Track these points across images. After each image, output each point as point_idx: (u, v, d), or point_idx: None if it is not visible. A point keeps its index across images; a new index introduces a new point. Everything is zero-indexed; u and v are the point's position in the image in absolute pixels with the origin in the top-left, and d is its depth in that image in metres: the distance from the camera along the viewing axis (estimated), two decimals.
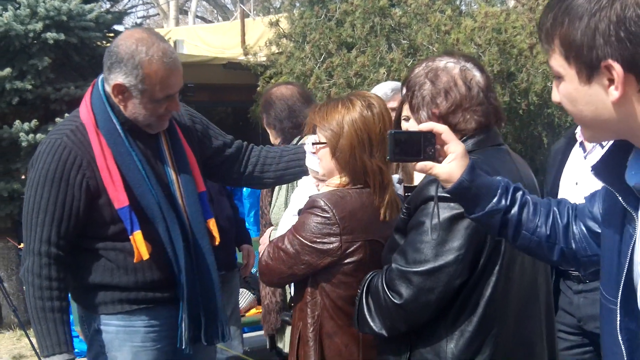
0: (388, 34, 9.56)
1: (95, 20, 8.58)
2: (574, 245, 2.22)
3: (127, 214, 3.09)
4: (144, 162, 3.19)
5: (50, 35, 8.16)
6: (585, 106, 1.73)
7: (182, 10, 25.02)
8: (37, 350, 7.36)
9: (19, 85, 8.30)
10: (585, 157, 4.15)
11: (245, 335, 6.49)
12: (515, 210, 2.23)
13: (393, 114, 3.97)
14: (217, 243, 3.45)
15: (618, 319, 1.81)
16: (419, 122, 2.72)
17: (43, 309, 3.06)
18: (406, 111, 3.83)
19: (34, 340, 7.32)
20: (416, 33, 9.25)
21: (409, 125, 4.07)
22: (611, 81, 1.64)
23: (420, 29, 9.19)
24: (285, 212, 3.87)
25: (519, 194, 2.25)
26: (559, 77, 1.77)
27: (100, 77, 3.25)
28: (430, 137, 2.22)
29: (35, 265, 3.07)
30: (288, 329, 4.30)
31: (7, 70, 8.23)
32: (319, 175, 3.29)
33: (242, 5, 13.36)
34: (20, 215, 9.59)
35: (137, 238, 3.10)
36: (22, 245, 9.95)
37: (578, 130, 4.29)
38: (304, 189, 3.83)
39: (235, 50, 11.96)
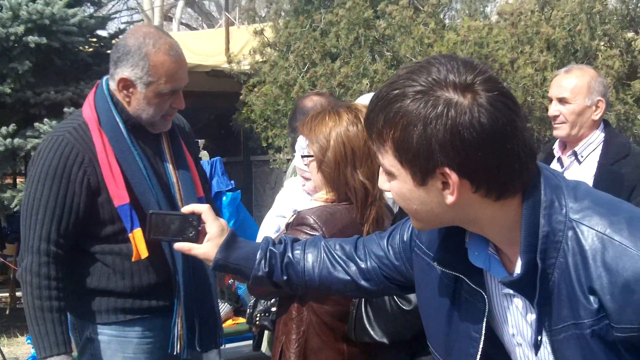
0: (372, 45, 9.59)
1: (78, 24, 8.52)
2: (366, 284, 2.27)
3: (128, 211, 3.05)
4: (146, 161, 3.16)
5: (32, 39, 8.10)
6: (420, 206, 1.74)
7: (167, 17, 24.95)
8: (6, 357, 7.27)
9: None
10: (562, 173, 4.16)
11: (221, 347, 6.46)
12: (277, 273, 2.32)
13: None
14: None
15: None
16: None
17: (41, 309, 2.97)
18: None
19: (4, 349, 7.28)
20: (400, 45, 9.27)
21: None
22: (445, 184, 1.65)
23: (404, 41, 9.22)
24: (269, 212, 3.84)
25: (277, 256, 2.33)
26: (390, 174, 1.75)
27: (104, 77, 3.24)
28: (191, 219, 2.33)
29: (34, 263, 2.99)
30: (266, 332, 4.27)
31: None
32: (306, 175, 3.28)
33: (227, 14, 13.34)
34: None
35: (137, 235, 3.05)
36: None
37: (556, 145, 4.31)
38: (289, 191, 3.81)
39: (219, 58, 11.94)
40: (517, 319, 1.81)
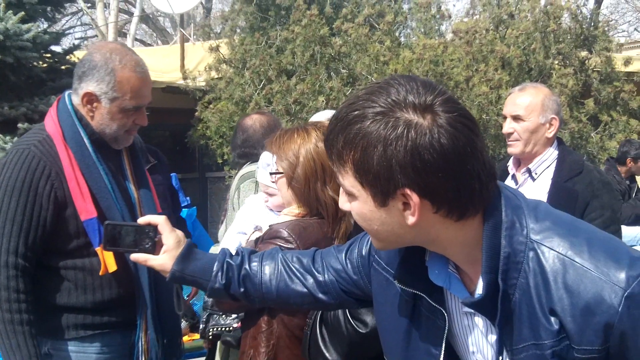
0: (328, 63, 9.62)
1: (32, 40, 8.42)
2: (324, 297, 2.29)
3: (95, 225, 3.04)
4: (110, 176, 3.16)
5: None
6: (381, 226, 1.75)
7: (121, 33, 24.79)
8: None
9: None
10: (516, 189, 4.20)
11: None
12: (234, 285, 2.33)
13: None
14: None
15: None
16: None
17: (11, 322, 2.94)
18: None
19: None
20: (355, 62, 9.32)
21: None
22: (406, 205, 1.66)
23: (360, 58, 9.27)
24: (229, 228, 3.84)
25: (234, 268, 2.33)
26: (351, 195, 1.76)
27: (67, 92, 3.24)
28: (148, 230, 2.35)
29: (1, 277, 2.96)
30: (221, 348, 4.25)
31: None
32: (270, 191, 3.29)
33: (182, 30, 13.29)
34: None
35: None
36: None
37: (510, 162, 4.36)
38: (250, 207, 3.81)
39: (174, 74, 11.87)
40: (478, 338, 1.83)
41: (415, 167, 1.59)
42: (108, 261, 3.05)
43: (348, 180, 1.72)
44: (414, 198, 1.63)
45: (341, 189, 1.81)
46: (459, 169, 1.61)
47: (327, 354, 2.72)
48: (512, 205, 1.73)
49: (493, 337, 1.77)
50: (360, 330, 2.63)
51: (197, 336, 6.78)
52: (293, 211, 3.09)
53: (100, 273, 3.07)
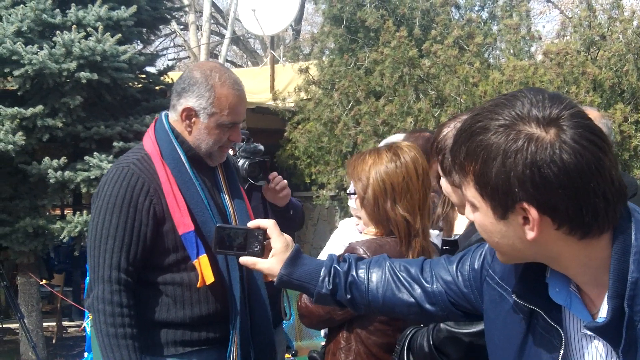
0: (416, 84, 9.62)
1: (128, 61, 8.68)
2: (431, 308, 2.23)
3: (193, 238, 3.11)
4: (206, 191, 3.24)
5: (84, 75, 8.28)
6: (501, 239, 1.73)
7: (213, 54, 25.21)
8: None
9: (50, 123, 8.41)
10: None
11: None
12: (341, 292, 2.30)
13: None
14: (270, 279, 3.47)
15: None
16: (452, 184, 2.78)
17: (115, 336, 3.01)
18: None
19: None
20: (444, 84, 9.29)
21: (441, 182, 4.13)
22: (526, 219, 1.63)
23: (449, 80, 9.23)
24: (323, 250, 3.91)
25: (340, 274, 2.30)
26: (473, 206, 1.75)
27: (163, 112, 3.35)
28: (257, 234, 2.34)
29: (105, 292, 3.04)
30: None
31: (39, 108, 8.35)
32: (359, 214, 3.38)
33: (272, 52, 13.48)
34: (44, 251, 9.62)
35: (203, 262, 3.10)
36: (44, 281, 9.97)
37: None
38: (344, 230, 3.90)
39: (264, 95, 12.03)
40: None
41: (534, 182, 1.56)
42: (205, 273, 3.09)
43: (469, 192, 1.72)
44: (533, 213, 1.60)
45: (468, 205, 1.80)
46: (582, 187, 1.56)
47: None
48: None
49: None
50: None
51: (286, 355, 6.82)
52: (371, 230, 3.20)
53: (198, 285, 3.12)
